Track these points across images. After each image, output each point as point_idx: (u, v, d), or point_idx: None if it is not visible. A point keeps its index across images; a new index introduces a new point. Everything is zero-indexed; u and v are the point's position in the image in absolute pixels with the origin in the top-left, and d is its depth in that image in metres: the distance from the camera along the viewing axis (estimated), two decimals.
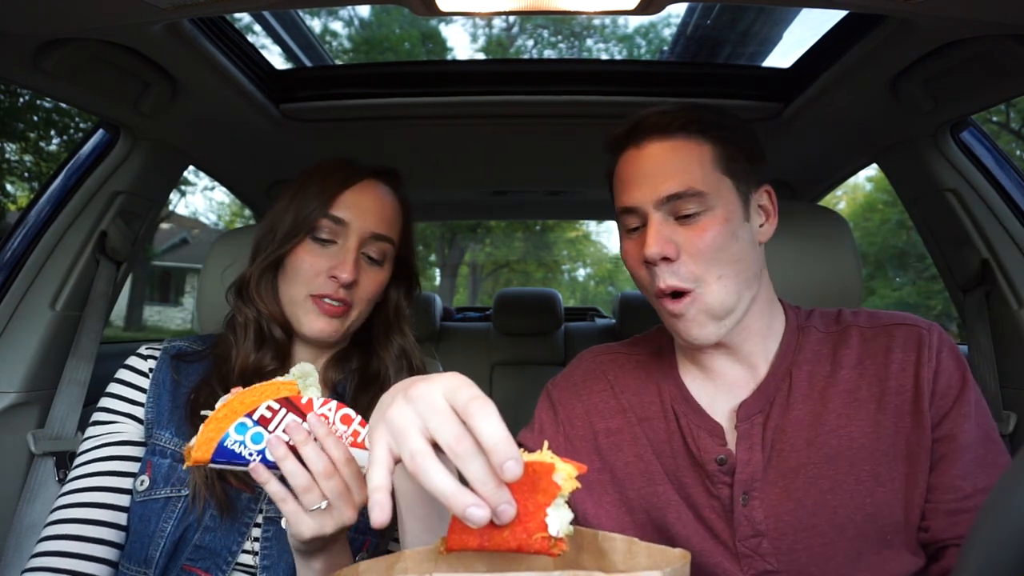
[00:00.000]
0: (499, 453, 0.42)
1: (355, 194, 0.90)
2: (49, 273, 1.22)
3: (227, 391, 0.83)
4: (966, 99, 1.09)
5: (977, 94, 1.07)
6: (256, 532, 0.83)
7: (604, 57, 10.96)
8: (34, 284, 1.21)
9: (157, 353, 0.93)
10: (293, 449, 0.65)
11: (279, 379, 0.70)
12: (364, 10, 12.04)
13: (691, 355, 0.85)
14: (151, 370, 0.91)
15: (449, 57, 10.31)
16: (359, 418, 0.69)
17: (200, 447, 0.65)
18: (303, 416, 0.67)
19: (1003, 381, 1.19)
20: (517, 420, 0.84)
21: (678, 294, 0.75)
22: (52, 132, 8.96)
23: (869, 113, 1.23)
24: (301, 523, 0.65)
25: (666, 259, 0.74)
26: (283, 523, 0.82)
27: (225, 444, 0.65)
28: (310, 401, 0.68)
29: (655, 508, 0.80)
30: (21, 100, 8.20)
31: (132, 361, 0.92)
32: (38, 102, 8.19)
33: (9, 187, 9.29)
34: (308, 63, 1.64)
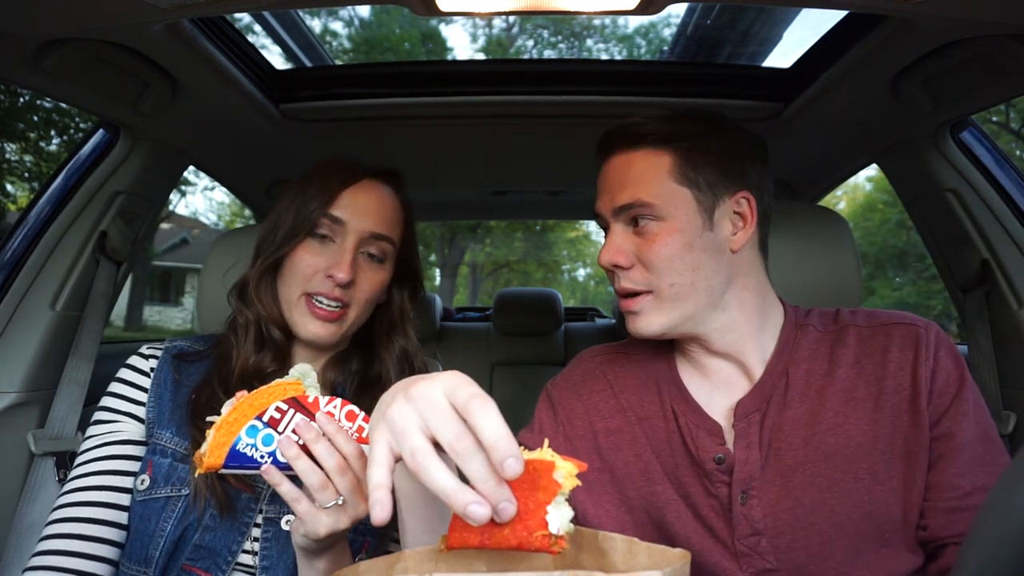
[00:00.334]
0: (500, 451, 0.42)
1: (354, 194, 0.90)
2: (49, 273, 1.22)
3: (228, 392, 0.83)
4: (966, 99, 1.09)
5: (977, 94, 1.07)
6: (256, 532, 0.83)
7: (604, 57, 10.97)
8: (34, 284, 1.21)
9: (159, 353, 0.93)
10: (304, 449, 0.66)
11: (283, 380, 0.71)
12: (364, 10, 12.04)
13: (688, 355, 0.85)
14: (152, 370, 0.91)
15: (449, 57, 10.32)
16: (363, 414, 0.70)
17: (212, 453, 0.65)
18: (311, 415, 0.68)
19: (1003, 381, 1.19)
20: (517, 420, 0.84)
21: (633, 293, 0.80)
22: (52, 132, 8.96)
23: (869, 113, 1.23)
24: (317, 521, 0.65)
25: (619, 266, 0.80)
26: (284, 524, 0.82)
27: (237, 448, 0.66)
28: (316, 400, 0.69)
29: (654, 507, 0.80)
30: (21, 100, 8.20)
31: (134, 361, 0.92)
32: (38, 102, 8.19)
33: (9, 187, 9.29)
34: (308, 63, 1.64)
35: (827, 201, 2.07)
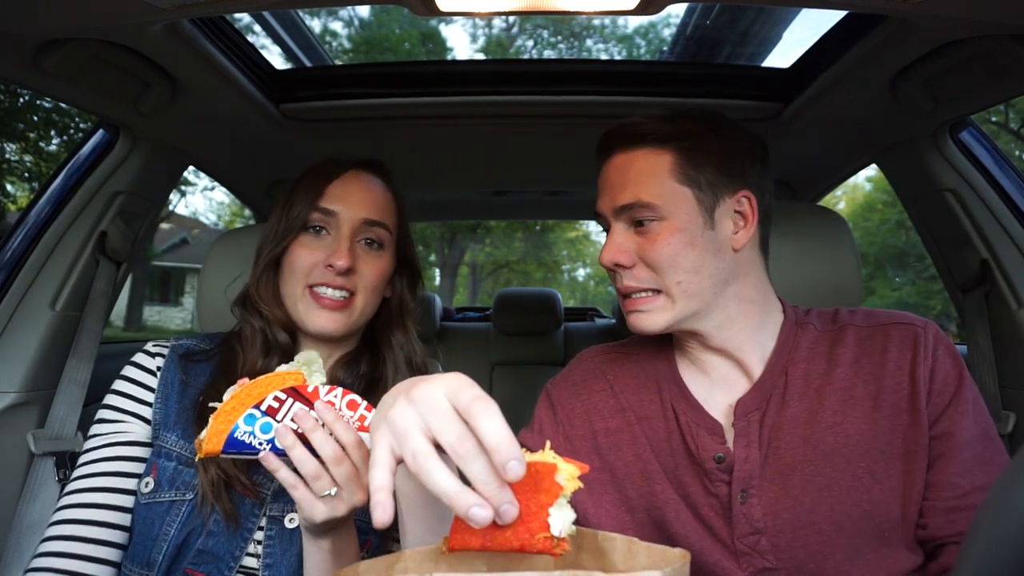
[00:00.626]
0: (501, 453, 0.42)
1: (342, 185, 0.91)
2: (49, 273, 1.22)
3: None
4: (966, 99, 1.10)
5: (977, 94, 1.07)
6: (259, 535, 0.83)
7: (604, 57, 10.97)
8: (34, 284, 1.21)
9: (165, 351, 0.92)
10: (302, 437, 0.66)
11: (284, 369, 0.71)
12: (364, 10, 12.04)
13: (688, 354, 0.85)
14: (159, 368, 0.90)
15: (449, 57, 10.32)
16: (365, 403, 0.70)
17: (211, 439, 0.66)
18: (310, 404, 0.68)
19: (1002, 381, 1.19)
20: (517, 420, 0.84)
21: (638, 292, 0.80)
22: (52, 132, 8.96)
23: (869, 113, 1.23)
24: (314, 508, 0.66)
25: (621, 266, 0.80)
26: (288, 522, 0.82)
27: (235, 435, 0.67)
28: (316, 389, 0.69)
29: (654, 507, 0.80)
30: (21, 100, 8.20)
31: (139, 359, 0.92)
32: (38, 102, 8.18)
33: (9, 187, 9.29)
34: (308, 63, 1.64)
35: (827, 201, 2.07)
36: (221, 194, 15.91)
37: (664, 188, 0.78)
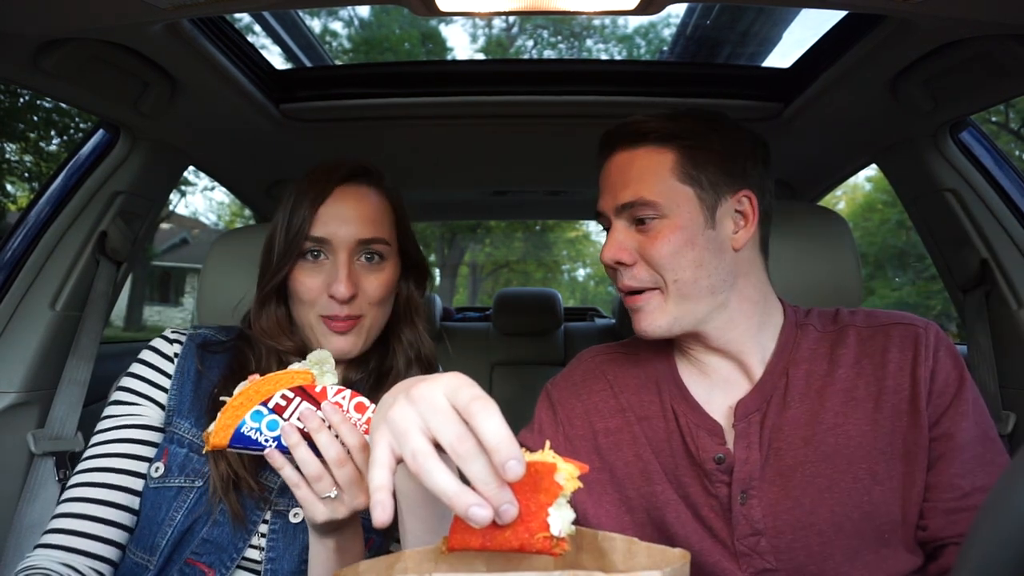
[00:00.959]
0: (501, 453, 0.42)
1: (331, 207, 0.87)
2: (49, 273, 1.22)
3: None
4: (966, 99, 1.10)
5: (977, 94, 1.07)
6: (263, 528, 0.83)
7: (604, 57, 10.97)
8: (34, 284, 1.21)
9: (183, 339, 0.92)
10: (307, 437, 0.66)
11: (295, 367, 0.71)
12: (364, 10, 12.04)
13: (688, 354, 0.85)
14: (176, 355, 0.90)
15: (449, 57, 10.32)
16: (373, 406, 0.70)
17: (218, 433, 0.67)
18: (317, 405, 0.68)
19: (1002, 381, 1.19)
20: (517, 420, 0.84)
21: (638, 290, 0.80)
22: (52, 132, 8.95)
23: (869, 113, 1.23)
24: (315, 509, 0.66)
25: (621, 264, 0.80)
26: (292, 517, 0.82)
27: (241, 431, 0.67)
28: (324, 390, 0.70)
29: (654, 507, 0.80)
30: (21, 100, 8.19)
31: (158, 344, 0.91)
32: (38, 102, 8.18)
33: (9, 187, 9.29)
34: (308, 63, 1.64)
35: (827, 201, 2.07)
36: (221, 194, 15.91)
37: (665, 186, 0.78)
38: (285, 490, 0.84)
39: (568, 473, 0.44)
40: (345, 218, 0.87)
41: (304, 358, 0.88)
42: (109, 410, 0.88)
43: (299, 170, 0.97)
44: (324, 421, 0.67)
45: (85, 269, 1.26)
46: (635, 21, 11.13)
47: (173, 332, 0.93)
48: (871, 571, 0.73)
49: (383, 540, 0.87)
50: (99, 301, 1.26)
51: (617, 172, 0.81)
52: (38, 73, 0.95)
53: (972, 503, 0.71)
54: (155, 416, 0.87)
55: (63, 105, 7.22)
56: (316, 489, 0.66)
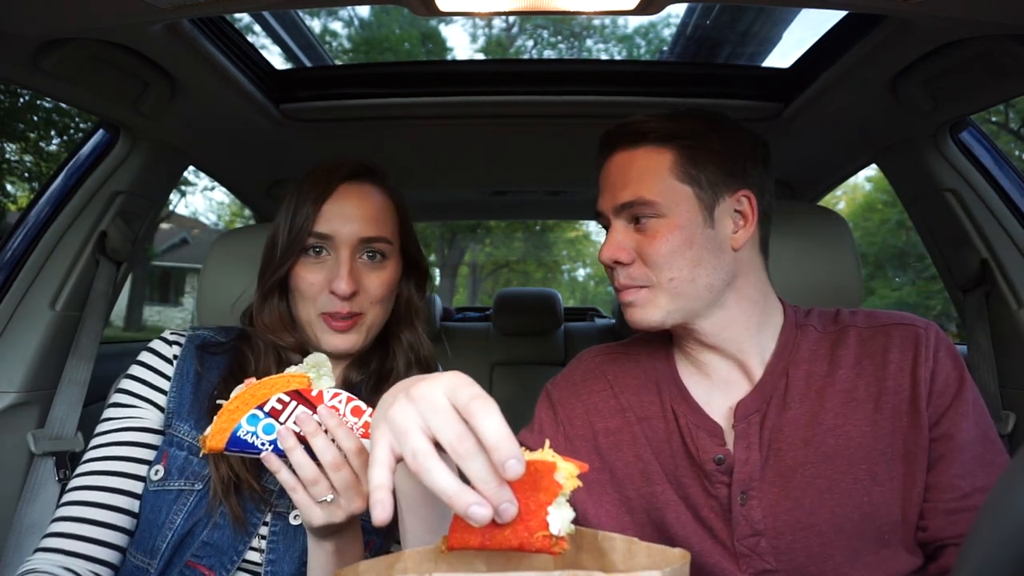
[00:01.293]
0: (501, 452, 0.42)
1: (335, 204, 0.88)
2: (49, 273, 1.22)
3: None
4: (966, 99, 1.10)
5: (977, 94, 1.07)
6: (264, 531, 0.83)
7: (604, 57, 10.97)
8: (34, 284, 1.21)
9: (182, 340, 0.92)
10: (304, 440, 0.66)
11: (291, 371, 0.71)
12: (364, 10, 12.04)
13: (688, 354, 0.85)
14: (175, 357, 0.90)
15: (449, 57, 10.32)
16: (370, 410, 0.70)
17: (214, 437, 0.67)
18: (314, 408, 0.68)
19: (1002, 381, 1.19)
20: (517, 420, 0.84)
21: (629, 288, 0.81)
22: (52, 132, 8.95)
23: (869, 113, 1.23)
24: (311, 512, 0.66)
25: (619, 263, 0.80)
26: (292, 519, 0.82)
27: (237, 434, 0.67)
28: (320, 393, 0.70)
29: (654, 508, 0.80)
30: (21, 100, 8.19)
31: (156, 345, 0.91)
32: (38, 102, 8.18)
33: (9, 187, 9.29)
34: (308, 63, 1.64)
35: (827, 201, 2.07)
36: (221, 194, 15.91)
37: (664, 186, 0.78)
38: (285, 492, 0.84)
39: (568, 472, 0.44)
40: (348, 216, 0.88)
41: (304, 355, 0.89)
42: (108, 412, 0.88)
43: (299, 170, 0.97)
44: (320, 425, 0.67)
45: (85, 269, 1.26)
46: (635, 21, 11.13)
47: (172, 333, 0.93)
48: (871, 572, 0.73)
49: (383, 541, 0.87)
50: (99, 301, 1.26)
51: (617, 172, 0.82)
52: (38, 73, 0.95)
53: (972, 504, 0.71)
54: (154, 418, 0.87)
55: (63, 105, 7.22)
56: (312, 493, 0.66)
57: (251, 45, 1.19)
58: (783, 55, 1.36)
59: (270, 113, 1.32)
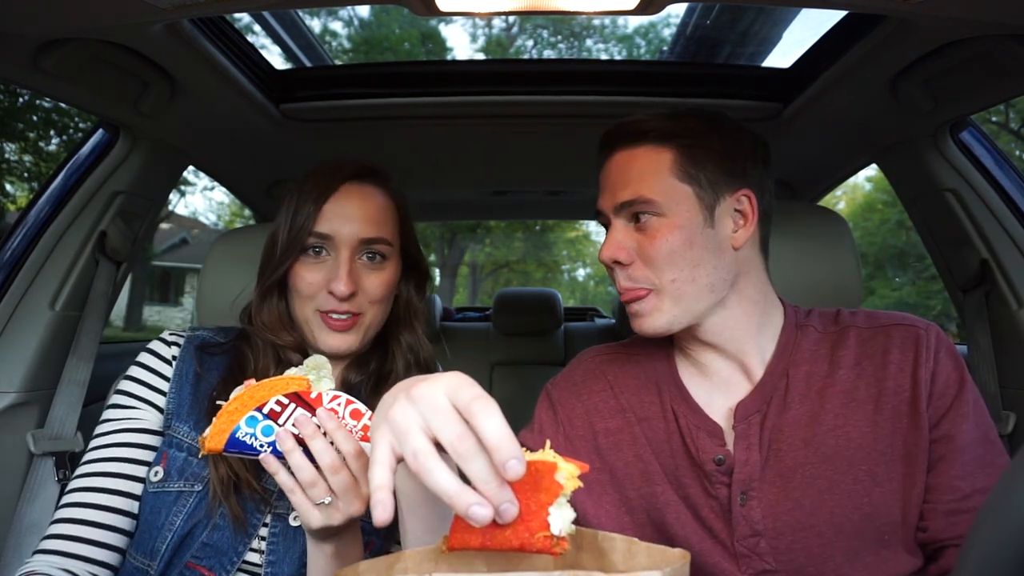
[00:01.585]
0: (501, 452, 0.42)
1: (336, 204, 0.88)
2: (49, 273, 1.22)
3: None
4: (966, 99, 1.10)
5: (977, 94, 1.07)
6: (263, 532, 0.83)
7: (604, 57, 10.97)
8: (34, 284, 1.21)
9: (181, 341, 0.91)
10: (302, 442, 0.66)
11: (291, 373, 0.71)
12: (364, 10, 12.05)
13: (688, 355, 0.85)
14: (174, 358, 0.90)
15: (449, 57, 10.32)
16: (369, 412, 0.70)
17: (213, 438, 0.67)
18: (313, 411, 0.68)
19: (1002, 381, 1.19)
20: (517, 420, 0.84)
21: (635, 294, 0.80)
22: (52, 132, 8.95)
23: (869, 113, 1.23)
24: (310, 515, 0.66)
25: (619, 263, 0.80)
26: (292, 520, 0.82)
27: (236, 436, 0.67)
28: (319, 396, 0.69)
29: (654, 508, 0.80)
30: (21, 100, 8.19)
31: (155, 346, 0.91)
32: (38, 102, 8.18)
33: (9, 187, 9.29)
34: (308, 63, 1.64)
35: (827, 201, 2.07)
36: (221, 194, 15.91)
37: (664, 185, 0.78)
38: (284, 494, 0.84)
39: (568, 472, 0.44)
40: (349, 216, 0.88)
41: (302, 354, 0.88)
42: (107, 414, 0.87)
43: (299, 170, 0.97)
44: (319, 427, 0.67)
45: (85, 269, 1.26)
46: (635, 21, 11.13)
47: (171, 334, 0.93)
48: (871, 572, 0.73)
49: (383, 542, 0.87)
50: (99, 301, 1.26)
51: (617, 171, 0.82)
52: (38, 73, 0.95)
53: (972, 505, 0.71)
54: (154, 420, 0.87)
55: (63, 105, 7.22)
56: (311, 495, 0.66)
57: (251, 45, 1.19)
58: (783, 55, 1.36)
59: (270, 113, 1.32)
